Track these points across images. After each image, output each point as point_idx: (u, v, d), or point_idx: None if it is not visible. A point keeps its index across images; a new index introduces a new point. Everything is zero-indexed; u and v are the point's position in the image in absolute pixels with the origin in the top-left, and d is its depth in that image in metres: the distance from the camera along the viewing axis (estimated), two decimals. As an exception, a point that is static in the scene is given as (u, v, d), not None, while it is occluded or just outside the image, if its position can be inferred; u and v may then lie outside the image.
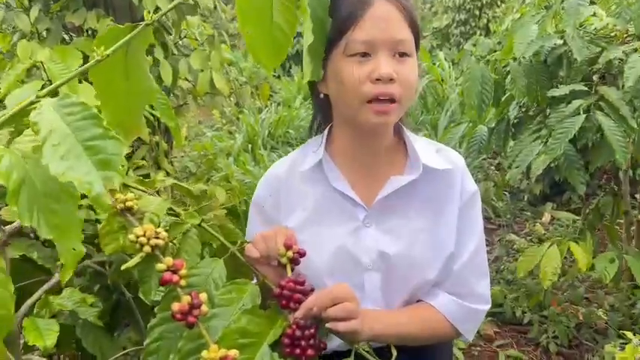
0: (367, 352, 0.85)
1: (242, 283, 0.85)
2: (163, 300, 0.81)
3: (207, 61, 2.31)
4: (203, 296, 0.77)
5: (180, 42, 2.62)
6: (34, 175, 0.71)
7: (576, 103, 1.93)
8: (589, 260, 2.17)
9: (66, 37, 2.38)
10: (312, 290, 0.86)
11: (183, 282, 0.78)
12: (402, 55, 0.92)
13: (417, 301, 1.03)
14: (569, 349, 2.69)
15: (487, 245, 3.69)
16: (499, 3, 8.89)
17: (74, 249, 0.69)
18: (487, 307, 1.06)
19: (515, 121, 2.41)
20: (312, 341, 0.82)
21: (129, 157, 2.15)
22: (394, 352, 0.84)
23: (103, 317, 1.28)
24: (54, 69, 1.49)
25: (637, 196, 3.17)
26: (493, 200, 4.24)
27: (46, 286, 1.01)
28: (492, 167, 4.62)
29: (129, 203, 0.82)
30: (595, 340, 2.69)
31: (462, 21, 9.10)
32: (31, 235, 1.12)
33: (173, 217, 0.96)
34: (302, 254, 0.89)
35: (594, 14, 2.25)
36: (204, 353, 0.72)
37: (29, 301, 0.97)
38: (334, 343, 0.88)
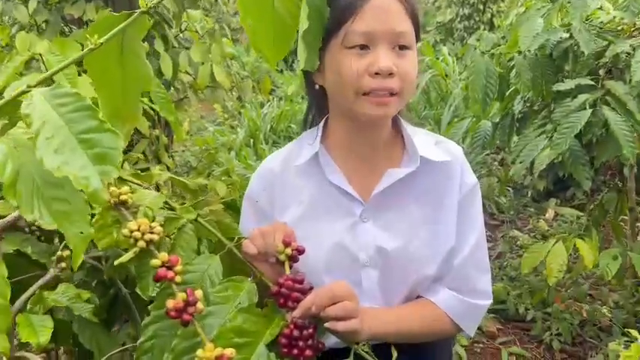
0: (366, 352, 0.83)
1: (239, 280, 0.83)
2: (158, 297, 0.79)
3: (207, 54, 2.28)
4: (199, 293, 0.75)
5: (181, 35, 2.59)
6: (30, 166, 0.69)
7: (582, 97, 1.90)
8: (595, 257, 2.14)
9: (65, 29, 2.36)
10: (311, 289, 0.84)
11: (178, 278, 0.76)
12: (402, 47, 0.90)
13: (417, 297, 1.01)
14: (573, 346, 2.67)
15: (490, 241, 3.68)
16: (503, -3, 8.84)
17: (82, 232, 0.67)
18: (488, 302, 1.04)
19: (519, 115, 2.38)
20: (310, 341, 0.79)
21: (128, 150, 2.14)
22: (394, 354, 0.82)
23: (100, 313, 1.26)
24: (53, 61, 1.46)
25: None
26: (496, 196, 4.21)
27: (40, 282, 0.99)
28: (496, 163, 4.59)
29: (123, 197, 0.80)
30: (599, 337, 2.66)
31: (465, 15, 9.04)
32: (26, 229, 1.10)
33: (170, 212, 0.94)
34: (301, 251, 0.87)
35: (600, 8, 2.22)
36: (199, 352, 0.70)
37: (23, 297, 0.95)
38: (331, 341, 0.85)
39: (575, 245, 2.22)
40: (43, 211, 0.65)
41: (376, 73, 0.87)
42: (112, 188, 0.80)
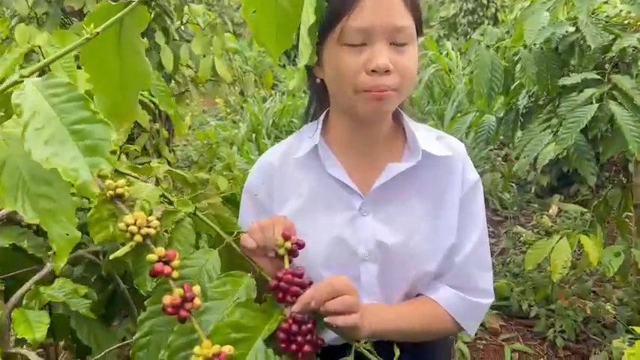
0: (368, 350, 0.81)
1: (237, 275, 0.81)
2: (154, 292, 0.78)
3: (209, 47, 2.26)
4: (196, 289, 0.73)
5: (182, 28, 2.57)
6: (18, 159, 0.67)
7: (588, 92, 1.88)
8: (600, 254, 2.12)
9: (65, 21, 2.34)
10: (311, 283, 0.82)
11: (175, 274, 0.75)
12: (401, 43, 0.87)
13: (417, 295, 0.99)
14: (577, 343, 2.65)
15: (493, 237, 3.66)
16: (508, -8, 8.78)
17: (67, 234, 0.65)
18: (490, 301, 1.02)
19: (524, 110, 2.35)
20: (309, 337, 0.77)
21: (129, 144, 2.12)
22: (397, 352, 0.80)
23: (99, 308, 1.24)
24: (52, 54, 1.45)
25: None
26: (500, 192, 4.18)
27: (37, 276, 0.98)
28: (499, 158, 4.56)
29: (119, 190, 0.78)
30: (603, 334, 2.64)
31: (469, 10, 8.98)
32: (23, 223, 1.09)
33: (168, 205, 0.92)
34: (301, 245, 0.85)
35: (607, 1, 2.19)
36: (196, 349, 0.68)
37: (19, 292, 0.93)
38: (329, 337, 0.83)
39: (579, 242, 2.20)
40: (26, 206, 0.63)
41: (373, 71, 0.85)
42: (108, 181, 0.79)
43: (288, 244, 0.84)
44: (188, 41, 2.31)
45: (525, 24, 2.08)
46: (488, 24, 8.12)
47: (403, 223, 0.96)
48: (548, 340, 2.68)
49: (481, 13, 8.87)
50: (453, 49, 5.90)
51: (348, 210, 0.97)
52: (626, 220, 2.67)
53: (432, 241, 0.96)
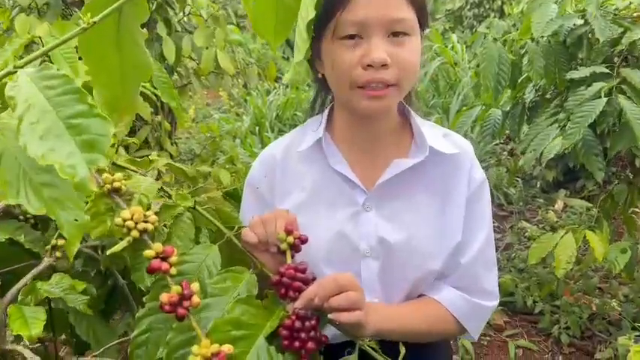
0: (372, 348, 0.79)
1: (238, 271, 0.79)
2: (152, 288, 0.76)
3: (211, 39, 2.23)
4: (195, 286, 0.71)
5: (184, 19, 2.54)
6: (15, 150, 0.65)
7: (597, 85, 1.84)
8: (606, 250, 2.10)
9: (66, 11, 2.31)
10: (314, 279, 0.80)
11: (173, 270, 0.72)
12: (399, 34, 0.84)
13: (419, 296, 0.97)
14: (582, 340, 2.63)
15: (498, 232, 3.63)
16: (514, -15, 8.70)
17: (76, 220, 0.63)
18: (495, 303, 1.00)
19: (531, 104, 2.32)
20: (312, 333, 0.75)
21: (130, 136, 2.10)
22: (402, 350, 0.78)
23: (98, 303, 1.23)
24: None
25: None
26: (505, 187, 4.15)
27: (34, 271, 0.96)
28: (505, 153, 4.53)
29: (116, 184, 0.76)
30: (608, 331, 2.62)
31: (475, 3, 8.91)
32: (20, 217, 1.07)
33: (167, 200, 0.90)
34: (303, 240, 0.83)
35: (616, -6, 2.15)
36: (194, 348, 0.66)
37: (15, 288, 0.91)
38: (329, 333, 0.81)
39: (584, 237, 2.17)
40: (30, 197, 0.61)
41: (369, 65, 0.83)
42: (105, 175, 0.77)
43: (291, 239, 0.82)
44: (190, 33, 2.28)
45: (533, 16, 2.05)
46: (495, 17, 8.06)
47: (407, 220, 0.94)
48: (552, 336, 2.66)
49: (487, 6, 8.80)
50: (458, 42, 5.85)
51: (350, 205, 0.95)
52: (633, 215, 2.64)
53: (437, 240, 0.94)
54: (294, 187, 0.98)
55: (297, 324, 0.75)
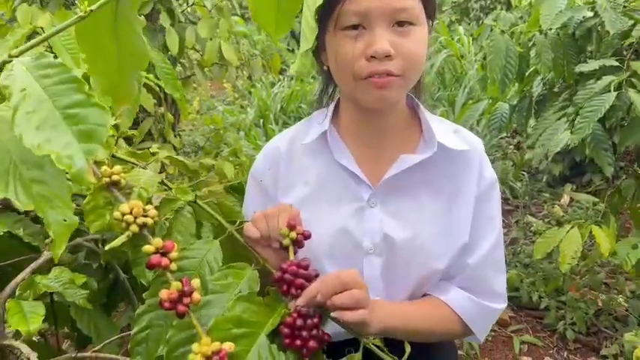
0: (377, 346, 0.77)
1: (240, 267, 0.77)
2: (152, 284, 0.74)
3: (215, 30, 2.20)
4: (195, 282, 0.69)
5: (188, 10, 2.52)
6: (8, 142, 0.64)
7: (607, 79, 1.81)
8: (612, 245, 2.07)
9: (68, 2, 2.29)
10: (317, 276, 0.77)
11: (173, 266, 0.71)
12: (404, 24, 0.82)
13: (423, 296, 0.95)
14: (587, 336, 2.61)
15: (504, 227, 3.58)
16: (522, -23, 8.60)
17: (65, 220, 0.61)
18: (503, 306, 0.97)
19: (538, 98, 2.29)
20: (314, 332, 0.73)
21: (134, 128, 2.08)
22: (407, 349, 0.76)
23: (100, 297, 1.22)
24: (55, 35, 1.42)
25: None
26: (511, 180, 4.12)
27: (33, 265, 0.95)
28: (511, 146, 4.49)
29: (115, 177, 0.74)
30: (614, 327, 2.60)
31: (482, -5, 8.84)
32: (21, 210, 1.05)
33: (170, 193, 0.88)
34: (307, 236, 0.81)
35: (626, -15, 2.12)
36: (194, 347, 0.64)
37: (14, 282, 0.90)
38: (331, 330, 0.79)
39: (591, 232, 2.15)
40: (19, 192, 0.59)
41: (372, 57, 0.80)
42: (104, 167, 0.75)
43: (294, 235, 0.80)
44: (194, 23, 2.26)
45: (541, 8, 2.02)
46: (501, 9, 7.98)
47: (413, 217, 0.91)
48: (558, 332, 2.64)
49: (494, -2, 8.71)
50: (464, 34, 5.80)
51: (355, 201, 0.92)
52: (640, 211, 2.61)
53: (442, 239, 0.91)
54: (298, 180, 0.96)
55: (299, 322, 0.73)
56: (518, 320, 2.79)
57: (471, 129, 1.03)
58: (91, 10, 0.65)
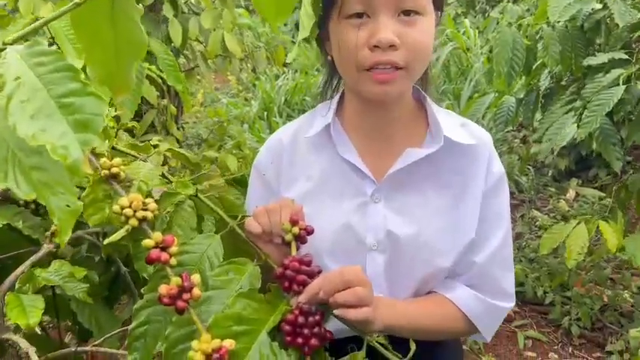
0: (382, 345, 0.75)
1: (241, 262, 0.75)
2: (151, 279, 0.73)
3: (219, 20, 2.18)
4: (195, 278, 0.68)
5: (191, 0, 2.50)
6: (4, 131, 0.62)
7: (615, 72, 1.78)
8: (620, 241, 2.05)
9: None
10: (319, 272, 0.76)
11: (173, 260, 0.69)
12: (410, 13, 0.79)
13: (430, 292, 0.93)
14: (592, 331, 2.59)
15: (509, 222, 3.57)
16: (529, -31, 8.52)
17: (68, 205, 0.60)
18: (511, 304, 0.95)
19: (545, 91, 2.26)
20: (316, 329, 0.71)
21: (137, 120, 2.07)
22: (413, 347, 0.74)
23: (102, 290, 1.21)
24: (57, 25, 1.40)
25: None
26: (516, 175, 4.09)
27: (33, 258, 0.93)
28: (517, 140, 4.45)
29: (114, 169, 0.73)
30: (620, 323, 2.58)
31: (488, -12, 8.76)
32: (21, 202, 1.04)
33: (171, 186, 0.87)
34: (309, 232, 0.80)
35: (636, -23, 2.08)
36: (194, 344, 0.63)
37: (13, 275, 0.89)
38: (333, 327, 0.77)
39: (597, 227, 2.13)
40: (19, 180, 0.58)
41: (375, 46, 0.78)
42: (103, 159, 0.73)
43: (296, 230, 0.79)
44: (197, 14, 2.23)
45: (549, 0, 1.98)
46: (508, 1, 7.91)
47: (418, 213, 0.89)
48: (562, 327, 2.63)
49: (500, -9, 8.64)
50: (471, 27, 5.75)
51: (358, 196, 0.90)
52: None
53: (448, 235, 0.89)
54: (301, 174, 0.94)
55: (301, 319, 0.71)
56: (523, 315, 2.78)
57: (477, 122, 1.01)
58: (88, -2, 0.64)
